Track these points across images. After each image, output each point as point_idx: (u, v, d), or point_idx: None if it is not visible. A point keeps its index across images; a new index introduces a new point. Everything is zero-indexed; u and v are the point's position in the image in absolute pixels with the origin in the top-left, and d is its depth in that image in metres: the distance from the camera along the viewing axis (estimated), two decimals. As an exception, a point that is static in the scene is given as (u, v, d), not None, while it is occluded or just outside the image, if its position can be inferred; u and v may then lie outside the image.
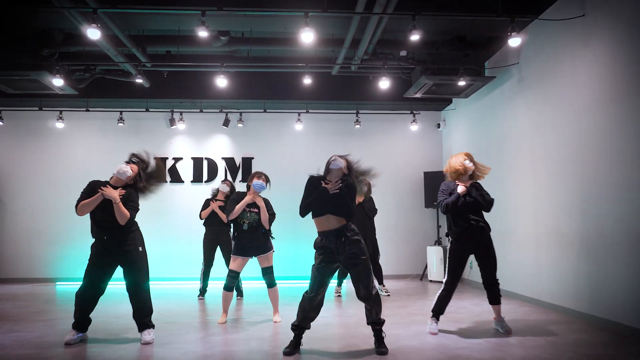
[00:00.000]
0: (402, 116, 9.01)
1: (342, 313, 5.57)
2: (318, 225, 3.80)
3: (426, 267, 8.53)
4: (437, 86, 7.01)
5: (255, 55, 7.33)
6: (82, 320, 4.13)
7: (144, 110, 8.52)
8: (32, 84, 6.80)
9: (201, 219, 6.64)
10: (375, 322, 3.80)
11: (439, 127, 9.15)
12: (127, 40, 6.24)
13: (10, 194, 8.65)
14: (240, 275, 5.56)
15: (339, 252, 3.71)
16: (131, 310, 4.19)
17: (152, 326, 4.22)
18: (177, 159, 8.91)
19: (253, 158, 8.94)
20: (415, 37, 5.34)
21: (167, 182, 4.55)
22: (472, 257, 4.55)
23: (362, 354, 3.77)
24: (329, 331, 4.52)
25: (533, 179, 6.03)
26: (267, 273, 4.99)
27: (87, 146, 8.79)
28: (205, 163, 8.95)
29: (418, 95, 7.38)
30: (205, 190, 8.39)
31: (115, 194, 4.02)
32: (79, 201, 4.06)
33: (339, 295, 6.66)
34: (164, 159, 8.81)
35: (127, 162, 4.28)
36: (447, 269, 4.48)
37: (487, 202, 4.40)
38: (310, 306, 3.79)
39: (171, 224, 8.57)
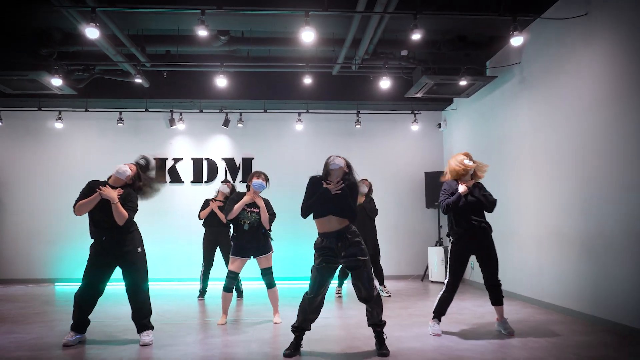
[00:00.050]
0: (402, 116, 8.98)
1: (342, 314, 5.53)
2: (319, 226, 3.76)
3: (427, 267, 8.50)
4: (438, 86, 6.99)
5: (255, 55, 7.30)
6: (80, 322, 4.10)
7: (144, 110, 8.49)
8: (31, 84, 6.77)
9: (200, 219, 6.60)
10: (377, 324, 3.77)
11: (439, 127, 9.12)
12: (126, 40, 6.21)
13: (9, 194, 8.62)
14: (240, 275, 5.53)
15: (339, 254, 3.68)
16: (130, 312, 4.16)
17: (151, 327, 4.19)
18: (176, 160, 8.88)
19: (253, 158, 8.90)
20: (416, 36, 5.31)
21: (159, 190, 4.53)
22: (473, 258, 4.52)
23: (363, 356, 3.74)
24: (329, 332, 4.49)
25: (534, 179, 6.00)
26: (267, 274, 4.95)
27: (86, 146, 8.76)
28: (205, 163, 8.92)
29: (419, 95, 7.36)
30: (205, 191, 8.38)
31: (113, 194, 3.99)
32: (77, 201, 4.03)
33: (339, 296, 6.62)
34: (164, 160, 8.80)
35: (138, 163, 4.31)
36: (448, 270, 4.44)
37: (490, 203, 4.37)
38: (310, 307, 3.76)
39: (171, 225, 8.54)
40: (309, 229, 4.22)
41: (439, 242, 8.51)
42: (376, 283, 6.54)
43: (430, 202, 8.53)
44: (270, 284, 4.98)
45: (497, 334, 4.39)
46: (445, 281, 4.43)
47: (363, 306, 3.81)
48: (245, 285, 6.75)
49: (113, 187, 4.09)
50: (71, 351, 3.88)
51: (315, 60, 7.12)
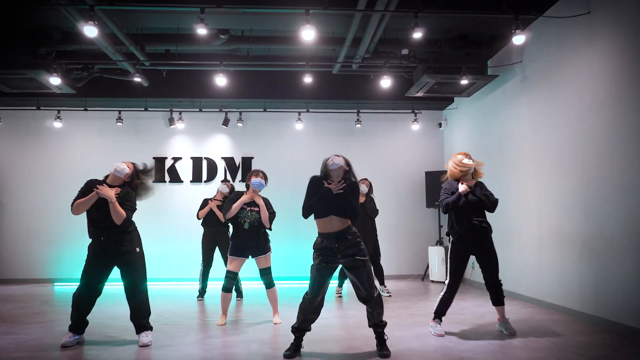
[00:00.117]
0: (403, 115, 8.96)
1: (343, 314, 5.51)
2: (320, 226, 3.73)
3: (428, 267, 8.48)
4: (439, 85, 6.96)
5: (255, 53, 7.28)
6: (79, 322, 4.07)
7: (143, 109, 8.46)
8: (30, 83, 6.74)
9: (198, 219, 6.57)
10: (377, 324, 3.74)
11: (440, 127, 9.09)
12: (125, 39, 6.18)
13: (8, 194, 8.59)
14: (240, 276, 5.50)
15: (339, 254, 3.65)
16: (128, 312, 4.14)
17: (150, 328, 4.16)
18: (176, 159, 8.85)
19: (253, 158, 8.88)
20: (417, 35, 5.27)
21: (153, 189, 4.51)
22: (473, 258, 4.49)
23: (363, 356, 3.71)
24: (329, 333, 4.47)
25: (535, 179, 5.97)
26: (266, 274, 4.92)
27: (85, 146, 8.72)
28: (204, 163, 8.89)
29: (420, 94, 7.32)
30: (204, 190, 8.36)
31: (111, 193, 3.96)
32: (75, 200, 4.00)
33: (339, 296, 6.60)
34: (163, 159, 8.77)
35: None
36: (448, 270, 4.42)
37: (492, 202, 4.34)
38: (310, 308, 3.73)
39: (170, 224, 8.52)
40: (309, 229, 4.19)
41: (440, 242, 8.48)
42: (377, 283, 6.54)
43: (431, 202, 8.50)
44: (269, 284, 4.95)
45: (498, 334, 4.36)
46: (446, 282, 4.41)
47: (363, 306, 3.79)
48: (244, 286, 6.72)
49: (111, 186, 4.06)
50: (69, 352, 3.86)
51: (316, 59, 7.09)
